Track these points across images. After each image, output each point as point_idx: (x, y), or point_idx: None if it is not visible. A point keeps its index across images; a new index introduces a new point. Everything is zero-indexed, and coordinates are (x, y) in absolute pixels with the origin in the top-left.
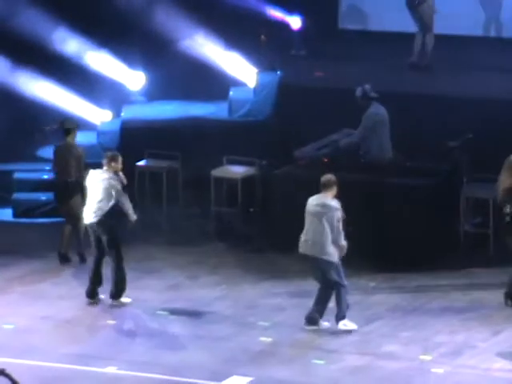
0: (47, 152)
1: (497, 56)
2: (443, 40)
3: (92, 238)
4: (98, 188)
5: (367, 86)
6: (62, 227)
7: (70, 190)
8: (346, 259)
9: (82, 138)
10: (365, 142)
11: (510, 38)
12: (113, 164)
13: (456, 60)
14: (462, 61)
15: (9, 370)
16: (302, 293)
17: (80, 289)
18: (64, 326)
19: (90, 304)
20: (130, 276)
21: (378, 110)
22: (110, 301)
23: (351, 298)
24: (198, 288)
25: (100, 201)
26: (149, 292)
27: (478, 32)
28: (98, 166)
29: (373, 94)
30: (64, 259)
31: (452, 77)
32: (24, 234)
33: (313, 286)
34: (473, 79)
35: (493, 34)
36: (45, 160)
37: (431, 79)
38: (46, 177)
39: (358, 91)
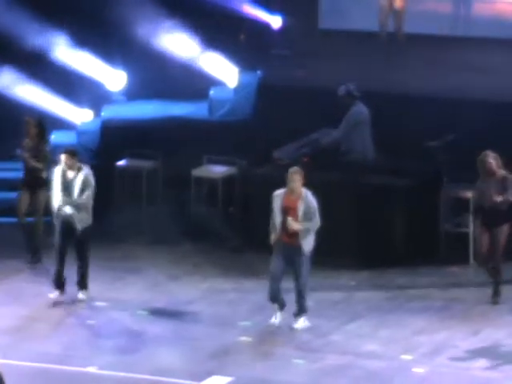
0: None
1: (473, 55)
2: (421, 39)
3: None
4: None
5: (352, 85)
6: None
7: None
8: (326, 258)
9: (61, 138)
10: (347, 141)
11: (480, 36)
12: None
13: (435, 59)
14: (440, 60)
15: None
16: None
17: (56, 288)
18: (43, 326)
19: (60, 296)
20: (109, 276)
21: (361, 109)
22: (80, 294)
23: (332, 296)
24: (179, 287)
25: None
26: (129, 292)
27: (451, 31)
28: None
29: (356, 93)
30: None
31: (432, 77)
32: (2, 233)
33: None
34: (452, 79)
35: (463, 32)
36: (24, 159)
37: (411, 79)
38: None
39: (342, 89)
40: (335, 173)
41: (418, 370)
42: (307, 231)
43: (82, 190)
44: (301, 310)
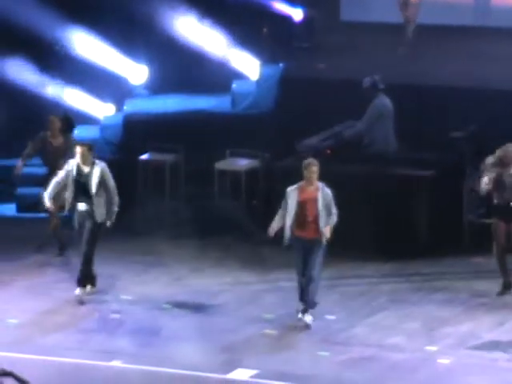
0: None
1: (495, 45)
2: (442, 30)
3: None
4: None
5: (377, 77)
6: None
7: None
8: (350, 250)
9: (84, 133)
10: (369, 133)
11: (502, 26)
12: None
13: (457, 50)
14: (462, 51)
15: (14, 366)
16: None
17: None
18: (68, 321)
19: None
20: (133, 269)
21: (384, 101)
22: (78, 290)
23: (356, 288)
24: (202, 281)
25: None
26: (153, 285)
27: (472, 21)
28: (102, 159)
29: (381, 85)
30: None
31: (454, 67)
32: (28, 228)
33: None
34: (475, 69)
35: (485, 22)
36: None
37: (433, 70)
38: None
39: (367, 81)
40: (358, 165)
41: (443, 361)
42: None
43: (100, 184)
44: (310, 305)
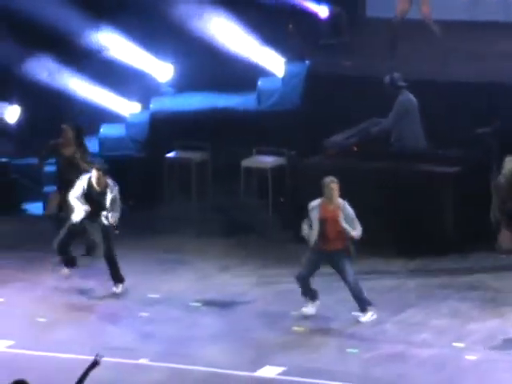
0: None
1: None
2: (467, 25)
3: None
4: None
5: (396, 75)
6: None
7: None
8: (378, 246)
9: (110, 131)
10: (396, 130)
11: None
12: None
13: (483, 45)
14: (488, 46)
15: (39, 364)
16: (333, 283)
17: (111, 281)
18: (96, 319)
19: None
20: (161, 268)
21: (408, 98)
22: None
23: (383, 284)
24: (229, 279)
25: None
26: (180, 283)
27: (500, 17)
28: (127, 159)
29: (401, 83)
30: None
31: (479, 63)
32: (55, 227)
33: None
34: (501, 65)
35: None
36: None
37: (459, 66)
38: None
39: (386, 79)
40: (385, 161)
41: (471, 357)
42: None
43: (111, 206)
44: (363, 304)
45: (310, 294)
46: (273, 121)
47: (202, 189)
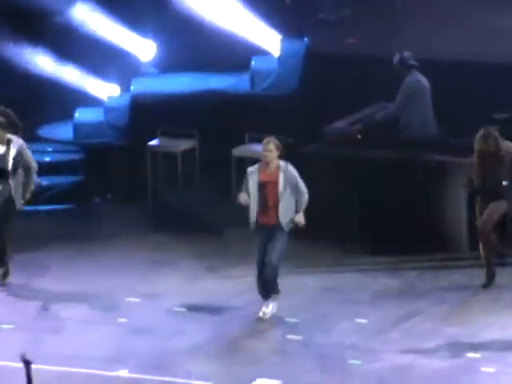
0: (48, 131)
1: None
2: (487, 2)
3: None
4: None
5: (406, 53)
6: None
7: None
8: (382, 244)
9: (86, 116)
10: (405, 115)
11: None
12: None
13: (503, 23)
14: (506, 25)
15: (9, 375)
16: (334, 286)
17: (85, 285)
18: (70, 326)
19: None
20: (142, 268)
21: (417, 78)
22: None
23: (390, 288)
24: (219, 281)
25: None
26: (163, 286)
27: None
28: (105, 147)
29: (412, 62)
30: None
31: (497, 42)
32: (28, 223)
33: (347, 278)
34: None
35: None
36: (46, 140)
37: (475, 46)
38: (47, 159)
39: (396, 58)
40: (392, 150)
41: (488, 369)
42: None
43: (15, 166)
44: (271, 290)
45: (260, 290)
46: (268, 105)
47: (189, 180)
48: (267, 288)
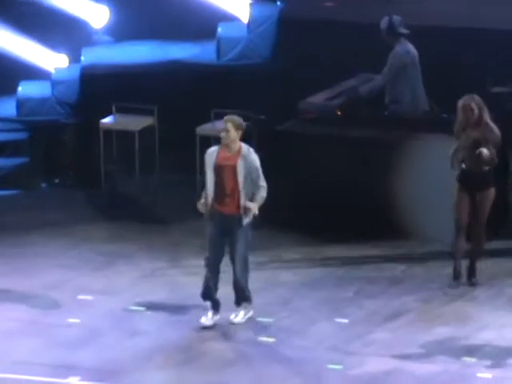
0: None
1: None
2: None
3: None
4: None
5: (395, 18)
6: None
7: None
8: (369, 234)
9: (31, 90)
10: (392, 88)
11: None
12: None
13: None
14: None
15: None
16: (312, 281)
17: (31, 280)
18: (14, 327)
19: None
20: (95, 262)
21: (407, 49)
22: None
23: (374, 284)
24: (182, 276)
25: None
26: (119, 282)
27: None
28: (53, 125)
29: (402, 29)
30: None
31: (498, 6)
32: None
33: (327, 272)
34: None
35: None
36: None
37: (472, 10)
38: None
39: (384, 23)
40: (377, 129)
41: (485, 375)
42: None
43: None
44: (242, 299)
45: (212, 299)
46: (236, 77)
47: (148, 162)
48: (237, 295)
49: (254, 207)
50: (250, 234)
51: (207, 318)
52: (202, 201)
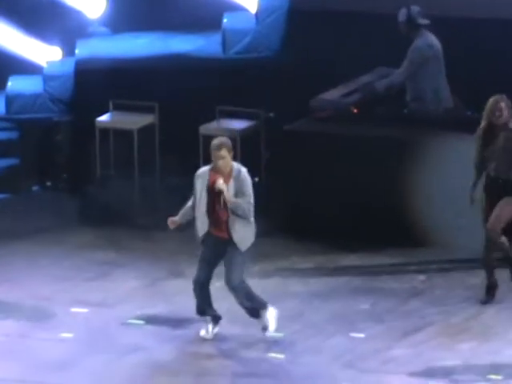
0: None
1: None
2: None
3: None
4: None
5: (414, 9)
6: None
7: None
8: (384, 241)
9: (22, 86)
10: (413, 85)
11: None
12: None
13: None
14: None
15: None
16: (325, 292)
17: (21, 291)
18: (2, 343)
19: None
20: (90, 272)
21: (429, 41)
22: None
23: (391, 295)
24: (184, 287)
25: None
26: (116, 293)
27: None
28: (45, 123)
29: (422, 20)
30: None
31: None
32: None
33: (342, 283)
34: None
35: None
36: None
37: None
38: None
39: (402, 14)
40: (397, 128)
41: None
42: (238, 209)
43: None
44: (256, 310)
45: (210, 312)
46: (243, 72)
47: (148, 163)
48: (251, 312)
49: (222, 186)
50: (246, 257)
51: (207, 331)
52: (176, 218)
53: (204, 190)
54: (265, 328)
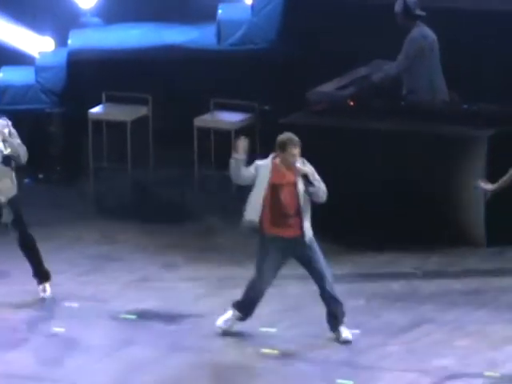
0: None
1: None
2: None
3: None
4: None
5: (411, 0)
6: None
7: None
8: (381, 238)
9: (13, 76)
10: (409, 77)
11: None
12: None
13: None
14: None
15: None
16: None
17: (12, 286)
18: None
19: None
20: (83, 266)
21: (425, 33)
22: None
23: (389, 290)
24: (178, 282)
25: None
26: (109, 288)
27: None
28: (37, 115)
29: (418, 12)
30: None
31: None
32: None
33: (337, 279)
34: None
35: None
36: None
37: None
38: None
39: (398, 5)
40: (393, 121)
41: None
42: (320, 190)
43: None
44: (341, 315)
45: (250, 313)
46: (238, 64)
47: (141, 156)
48: (337, 318)
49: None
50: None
51: (226, 325)
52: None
53: (264, 183)
54: (341, 336)
